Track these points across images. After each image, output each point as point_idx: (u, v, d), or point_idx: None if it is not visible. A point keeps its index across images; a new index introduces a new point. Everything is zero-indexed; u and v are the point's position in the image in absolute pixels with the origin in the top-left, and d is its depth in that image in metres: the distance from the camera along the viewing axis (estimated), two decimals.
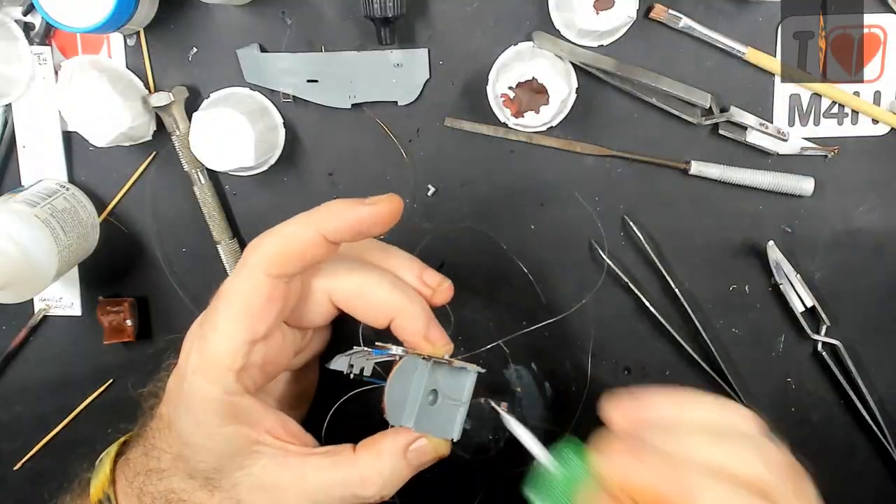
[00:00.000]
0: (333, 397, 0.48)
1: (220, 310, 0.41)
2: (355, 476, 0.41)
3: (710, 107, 0.53)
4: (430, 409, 0.43)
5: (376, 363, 0.45)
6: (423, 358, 0.43)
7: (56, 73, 0.54)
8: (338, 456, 0.42)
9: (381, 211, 0.41)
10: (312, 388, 0.52)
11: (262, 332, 0.41)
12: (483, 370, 0.44)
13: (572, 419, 0.59)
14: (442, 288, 0.46)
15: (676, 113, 0.54)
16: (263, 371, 0.43)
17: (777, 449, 0.39)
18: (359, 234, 0.41)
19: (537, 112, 0.51)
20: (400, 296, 0.44)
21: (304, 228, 0.41)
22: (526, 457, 0.41)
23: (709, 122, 0.54)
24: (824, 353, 0.57)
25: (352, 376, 0.46)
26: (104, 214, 0.57)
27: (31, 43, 0.54)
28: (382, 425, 0.43)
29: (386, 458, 0.42)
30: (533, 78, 0.50)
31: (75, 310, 0.58)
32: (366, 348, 0.44)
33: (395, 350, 0.43)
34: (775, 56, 0.54)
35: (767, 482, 0.36)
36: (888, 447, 0.58)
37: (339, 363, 0.45)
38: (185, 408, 0.41)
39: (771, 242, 0.55)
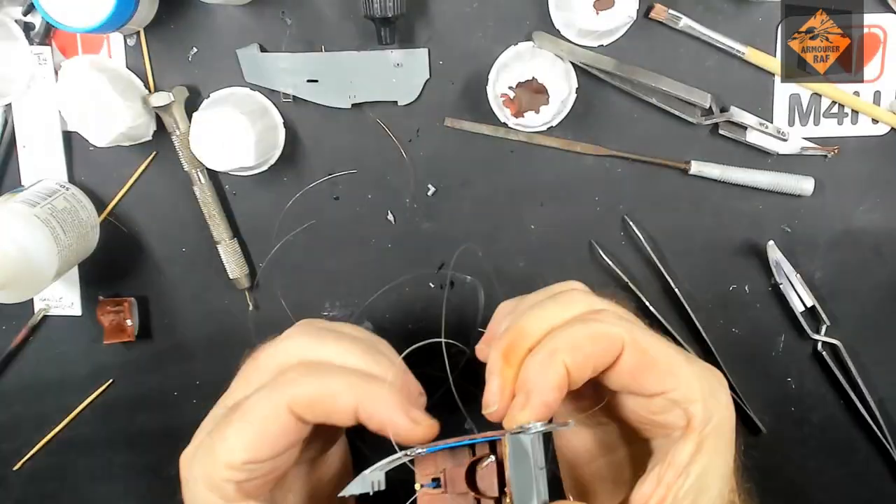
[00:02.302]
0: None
1: (234, 425, 0.39)
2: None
3: (710, 107, 0.53)
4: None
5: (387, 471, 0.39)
6: (519, 432, 0.36)
7: (56, 73, 0.54)
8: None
9: (408, 432, 0.38)
10: (339, 467, 0.47)
11: (267, 458, 0.39)
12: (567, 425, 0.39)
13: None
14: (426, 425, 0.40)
15: (676, 113, 0.54)
16: (266, 479, 0.40)
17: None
18: (383, 431, 0.39)
19: (537, 112, 0.51)
20: (367, 397, 0.39)
21: (347, 396, 0.38)
22: None
23: (709, 122, 0.54)
24: (824, 353, 0.57)
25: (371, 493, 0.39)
26: (104, 214, 0.57)
27: (31, 43, 0.54)
28: None
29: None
30: (533, 78, 0.50)
31: (75, 310, 0.58)
32: (413, 450, 0.38)
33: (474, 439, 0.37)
34: (775, 56, 0.54)
35: (594, 305, 0.40)
36: (888, 447, 0.58)
37: (357, 486, 0.38)
38: None
39: (771, 242, 0.55)
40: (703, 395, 0.38)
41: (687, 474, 0.37)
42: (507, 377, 0.37)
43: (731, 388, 0.57)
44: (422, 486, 0.38)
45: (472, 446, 0.39)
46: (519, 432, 0.36)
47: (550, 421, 0.37)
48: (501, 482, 0.37)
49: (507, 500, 0.36)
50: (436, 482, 0.38)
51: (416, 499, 0.39)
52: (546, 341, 0.37)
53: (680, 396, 0.38)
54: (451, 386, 0.45)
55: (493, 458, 0.37)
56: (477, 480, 0.38)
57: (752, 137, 0.54)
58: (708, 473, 0.38)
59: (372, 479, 0.38)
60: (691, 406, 0.38)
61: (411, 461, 0.38)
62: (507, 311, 0.44)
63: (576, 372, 0.36)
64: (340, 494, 0.39)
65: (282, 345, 0.41)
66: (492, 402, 0.38)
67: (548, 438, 0.40)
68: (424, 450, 0.38)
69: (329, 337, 0.41)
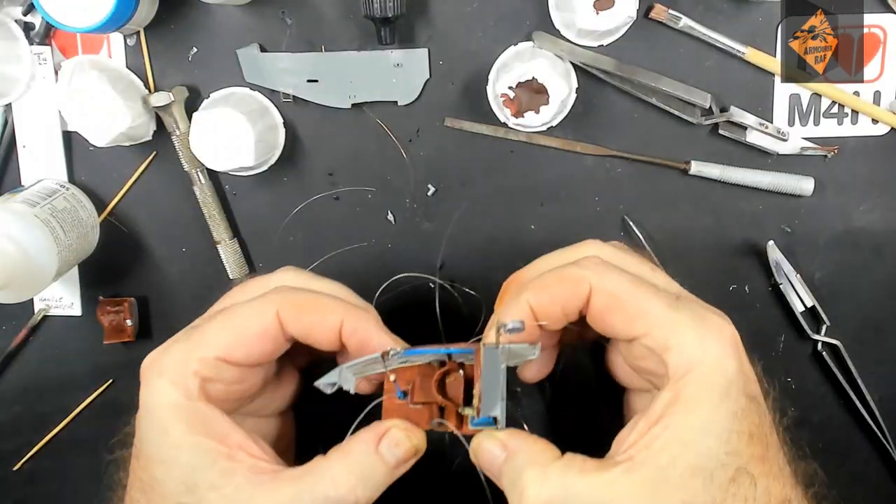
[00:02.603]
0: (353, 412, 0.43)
1: (217, 320, 0.40)
2: (326, 479, 0.38)
3: (710, 107, 0.53)
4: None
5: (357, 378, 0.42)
6: (494, 347, 0.39)
7: (56, 73, 0.54)
8: (310, 464, 0.39)
9: (386, 343, 0.41)
10: (288, 400, 0.48)
11: (241, 360, 0.40)
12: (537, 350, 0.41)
13: (572, 419, 0.59)
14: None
15: (676, 113, 0.54)
16: (229, 389, 0.41)
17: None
18: (364, 347, 0.41)
19: (537, 112, 0.51)
20: (347, 314, 0.41)
21: (335, 311, 0.41)
22: None
23: (709, 122, 0.54)
24: (824, 353, 0.57)
25: (329, 392, 0.42)
26: (104, 214, 0.57)
27: (31, 43, 0.54)
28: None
29: (356, 456, 0.39)
30: (533, 78, 0.50)
31: (75, 310, 0.58)
32: (394, 350, 0.41)
33: (453, 347, 0.41)
34: (775, 56, 0.54)
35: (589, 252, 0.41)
36: (888, 447, 0.58)
37: (332, 376, 0.42)
38: (149, 417, 0.39)
39: (771, 242, 0.55)
40: (686, 343, 0.37)
41: (665, 426, 0.35)
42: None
43: None
44: (392, 386, 0.40)
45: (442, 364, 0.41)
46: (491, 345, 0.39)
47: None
48: (468, 396, 0.40)
49: (475, 402, 0.38)
50: (403, 394, 0.41)
51: (381, 403, 0.41)
52: (522, 285, 0.40)
53: (653, 343, 0.37)
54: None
55: (461, 371, 0.41)
56: (446, 390, 0.40)
57: (752, 137, 0.54)
58: (690, 427, 0.35)
59: (346, 375, 0.41)
60: (666, 354, 0.37)
61: (386, 366, 0.41)
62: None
63: (540, 309, 0.39)
64: (315, 384, 0.42)
65: (273, 276, 0.44)
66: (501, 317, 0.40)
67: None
68: (402, 350, 0.40)
69: (317, 277, 0.44)
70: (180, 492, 0.38)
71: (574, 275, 0.39)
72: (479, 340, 0.40)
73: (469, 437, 0.40)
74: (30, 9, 0.53)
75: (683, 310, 0.38)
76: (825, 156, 0.55)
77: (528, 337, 0.39)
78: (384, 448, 0.39)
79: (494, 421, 0.38)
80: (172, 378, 0.39)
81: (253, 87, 0.54)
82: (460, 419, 0.41)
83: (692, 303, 0.39)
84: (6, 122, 0.55)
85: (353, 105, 0.54)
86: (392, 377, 0.41)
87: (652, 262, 0.43)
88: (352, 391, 0.42)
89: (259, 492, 0.38)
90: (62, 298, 0.58)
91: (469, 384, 0.41)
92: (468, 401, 0.40)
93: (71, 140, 0.56)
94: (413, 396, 0.41)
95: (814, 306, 0.56)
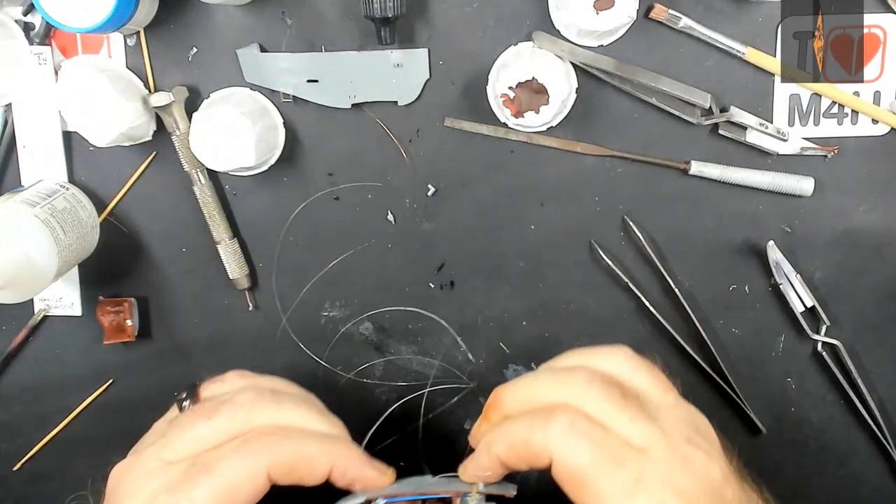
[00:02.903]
0: None
1: (205, 484, 0.39)
2: None
3: (710, 107, 0.53)
4: None
5: None
6: (469, 496, 0.43)
7: (56, 73, 0.54)
8: None
9: (382, 481, 0.43)
10: None
11: None
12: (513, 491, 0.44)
13: None
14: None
15: (676, 113, 0.54)
16: None
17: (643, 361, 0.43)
18: (353, 485, 0.42)
19: (537, 112, 0.51)
20: (339, 457, 0.42)
21: (324, 458, 0.41)
22: None
23: (709, 122, 0.54)
24: (824, 353, 0.57)
25: None
26: (104, 214, 0.57)
27: (31, 43, 0.54)
28: None
29: None
30: (533, 78, 0.50)
31: (75, 310, 0.58)
32: (380, 497, 0.43)
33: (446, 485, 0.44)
34: (775, 56, 0.54)
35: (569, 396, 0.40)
36: (888, 447, 0.58)
37: None
38: None
39: (771, 242, 0.55)
40: None
41: None
42: (477, 434, 0.43)
43: (732, 388, 0.57)
44: None
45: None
46: (467, 493, 0.43)
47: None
48: None
49: None
50: None
51: None
52: (492, 433, 0.41)
53: None
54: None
55: None
56: None
57: (752, 137, 0.54)
58: None
59: None
60: None
61: None
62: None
63: (508, 462, 0.40)
64: None
65: (242, 408, 0.42)
66: (473, 431, 0.43)
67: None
68: (385, 499, 0.43)
69: (286, 401, 0.43)
70: None
71: (538, 442, 0.38)
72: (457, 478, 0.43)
73: None
74: (30, 9, 0.53)
75: (640, 497, 0.37)
76: (825, 156, 0.55)
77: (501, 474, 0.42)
78: None
79: None
80: None
81: (253, 87, 0.54)
82: None
83: (657, 476, 0.38)
84: (6, 122, 0.55)
85: (353, 105, 0.54)
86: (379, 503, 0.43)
87: (661, 378, 0.42)
88: None
89: None
90: (62, 298, 0.58)
91: None
92: None
93: (71, 140, 0.56)
94: None
95: (814, 306, 0.56)
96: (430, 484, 0.44)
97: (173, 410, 0.45)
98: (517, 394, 0.42)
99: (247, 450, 0.40)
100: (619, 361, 0.42)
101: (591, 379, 0.40)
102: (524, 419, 0.40)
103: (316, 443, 0.42)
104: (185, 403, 0.44)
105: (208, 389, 0.45)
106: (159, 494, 0.39)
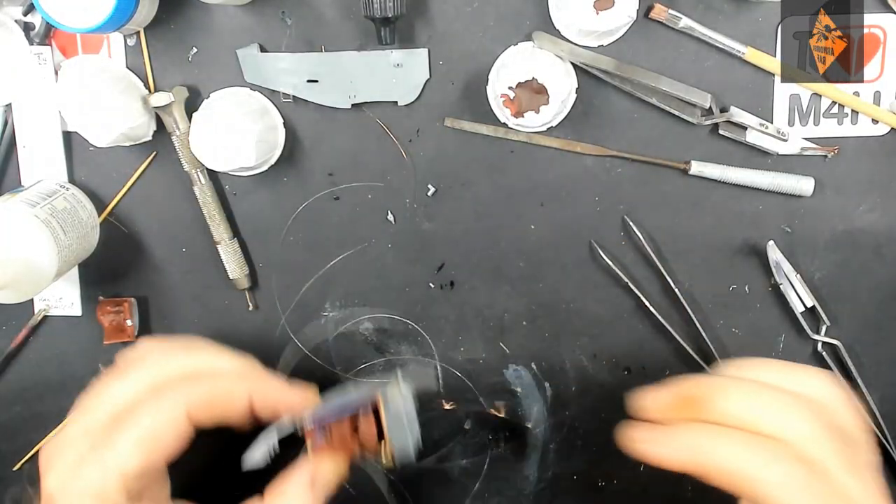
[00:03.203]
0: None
1: (127, 433, 0.39)
2: None
3: (710, 107, 0.53)
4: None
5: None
6: (397, 389, 0.43)
7: (56, 73, 0.54)
8: None
9: (304, 403, 0.43)
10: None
11: (160, 464, 0.40)
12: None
13: (572, 419, 0.59)
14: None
15: (676, 113, 0.54)
16: (148, 482, 0.41)
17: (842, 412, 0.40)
18: (277, 413, 0.43)
19: (537, 112, 0.51)
20: (256, 386, 0.42)
21: (241, 389, 0.41)
22: None
23: (709, 122, 0.54)
24: (824, 353, 0.57)
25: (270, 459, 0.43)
26: (104, 214, 0.57)
27: (31, 43, 0.54)
28: None
29: (294, 499, 0.42)
30: (533, 78, 0.50)
31: (75, 310, 0.58)
32: (307, 418, 0.43)
33: (353, 395, 0.43)
34: (775, 56, 0.54)
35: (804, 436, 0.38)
36: (888, 447, 0.58)
37: (257, 456, 0.42)
38: None
39: (771, 242, 0.55)
40: None
41: None
42: (668, 410, 0.41)
43: None
44: (313, 430, 0.43)
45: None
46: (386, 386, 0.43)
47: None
48: (380, 433, 0.43)
49: (387, 448, 0.43)
50: (322, 435, 0.43)
51: (307, 447, 0.43)
52: (695, 436, 0.38)
53: None
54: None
55: (371, 413, 0.43)
56: (359, 432, 0.43)
57: (752, 137, 0.54)
58: None
59: (270, 446, 0.42)
60: None
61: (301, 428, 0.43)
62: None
63: (683, 469, 0.38)
64: (245, 468, 0.42)
65: (153, 361, 0.42)
66: (650, 402, 0.41)
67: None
68: (312, 418, 0.43)
69: (195, 349, 0.44)
70: None
71: (751, 477, 0.37)
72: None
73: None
74: (30, 9, 0.53)
75: None
76: (825, 156, 0.55)
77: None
78: (318, 487, 0.42)
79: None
80: (96, 497, 0.39)
81: (253, 87, 0.54)
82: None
83: None
84: (6, 122, 0.55)
85: (353, 105, 0.54)
86: (310, 427, 0.43)
87: (861, 421, 0.41)
88: (277, 451, 0.43)
89: None
90: (62, 298, 0.58)
91: (379, 422, 0.43)
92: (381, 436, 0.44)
93: (71, 140, 0.56)
94: (332, 443, 0.43)
95: (814, 306, 0.56)
96: (354, 395, 0.44)
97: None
98: (733, 401, 0.39)
99: (163, 396, 0.40)
100: (832, 394, 0.40)
101: (817, 419, 0.38)
102: (739, 444, 0.37)
103: (230, 377, 0.42)
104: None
105: (122, 358, 0.45)
106: (85, 455, 0.39)
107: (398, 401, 0.43)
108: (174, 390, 0.41)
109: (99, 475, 0.39)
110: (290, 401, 0.43)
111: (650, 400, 0.42)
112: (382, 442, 0.43)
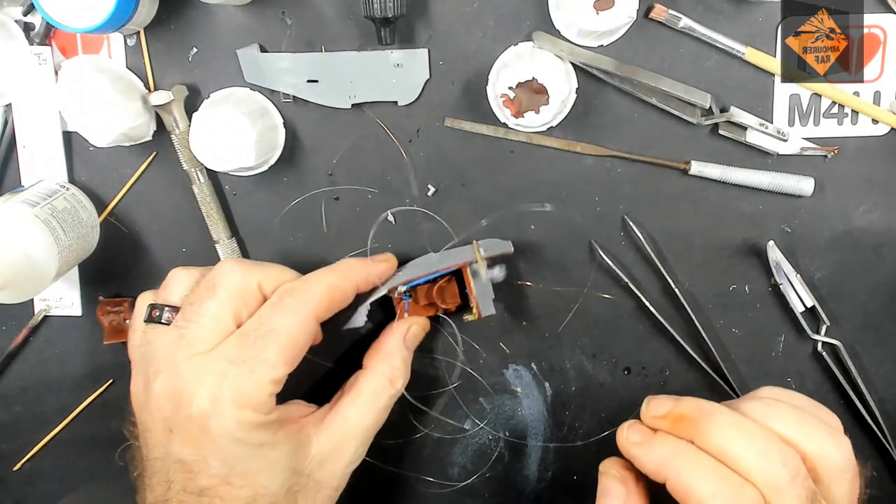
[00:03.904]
0: None
1: (271, 345, 0.44)
2: (384, 381, 0.50)
3: (710, 107, 0.53)
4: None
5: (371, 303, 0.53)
6: (475, 263, 0.53)
7: (56, 73, 0.54)
8: (357, 382, 0.50)
9: (389, 268, 0.52)
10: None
11: (296, 364, 0.46)
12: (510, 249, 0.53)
13: (572, 419, 0.59)
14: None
15: (676, 113, 0.54)
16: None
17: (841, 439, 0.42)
18: (371, 286, 0.51)
19: (537, 112, 0.51)
20: (354, 273, 0.50)
21: (343, 280, 0.49)
22: None
23: (709, 122, 0.54)
24: (824, 353, 0.57)
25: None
26: (104, 214, 0.57)
27: (31, 43, 0.54)
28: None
29: (395, 355, 0.51)
30: (533, 78, 0.50)
31: (75, 310, 0.58)
32: (399, 288, 0.53)
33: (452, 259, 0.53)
34: (775, 56, 0.54)
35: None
36: (888, 447, 0.58)
37: (358, 321, 0.53)
38: (235, 442, 0.44)
39: (771, 242, 0.55)
40: None
41: None
42: (663, 422, 0.43)
43: (732, 388, 0.57)
44: (401, 299, 0.53)
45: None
46: (474, 261, 0.53)
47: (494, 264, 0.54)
48: (462, 297, 0.54)
49: (474, 310, 0.53)
50: (408, 295, 0.53)
51: (400, 310, 0.53)
52: (676, 456, 0.41)
53: None
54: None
55: (452, 278, 0.54)
56: (444, 296, 0.54)
57: (752, 138, 0.54)
58: None
59: (364, 311, 0.52)
60: None
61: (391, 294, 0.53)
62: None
63: (654, 478, 0.42)
64: (346, 328, 0.52)
65: (233, 275, 0.47)
66: (651, 409, 0.44)
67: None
68: (405, 287, 0.53)
69: (253, 263, 0.49)
70: (288, 477, 0.45)
71: (706, 498, 0.39)
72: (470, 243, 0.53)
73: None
74: (30, 9, 0.53)
75: None
76: (825, 156, 0.55)
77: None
78: (409, 342, 0.52)
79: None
80: (250, 405, 0.44)
81: (253, 87, 0.54)
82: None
83: None
84: (6, 122, 0.55)
85: (353, 105, 0.54)
86: (399, 290, 0.53)
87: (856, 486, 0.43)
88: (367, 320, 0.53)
89: (338, 433, 0.48)
90: (62, 298, 0.58)
91: (461, 283, 0.54)
92: (462, 299, 0.54)
93: (71, 140, 0.56)
94: (418, 301, 0.54)
95: (814, 306, 0.56)
96: (437, 261, 0.53)
97: (150, 330, 0.48)
98: (719, 432, 0.40)
99: (289, 308, 0.46)
100: (834, 457, 0.41)
101: (796, 475, 0.39)
102: (703, 472, 0.39)
103: (332, 274, 0.49)
104: (166, 314, 0.48)
105: (164, 293, 0.49)
106: (231, 371, 0.44)
107: (480, 265, 0.53)
108: (299, 299, 0.46)
109: (254, 386, 0.44)
110: (382, 271, 0.51)
111: (652, 407, 0.44)
112: (471, 299, 0.52)
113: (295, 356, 0.45)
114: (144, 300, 0.50)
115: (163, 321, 0.47)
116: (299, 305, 0.46)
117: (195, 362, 0.44)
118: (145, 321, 0.48)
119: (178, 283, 0.49)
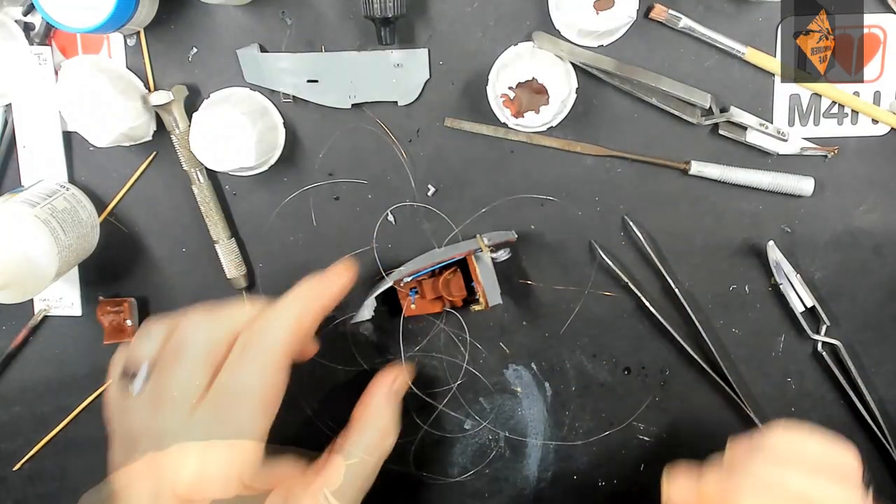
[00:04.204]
0: None
1: (243, 409, 0.44)
2: (374, 439, 0.49)
3: (710, 107, 0.53)
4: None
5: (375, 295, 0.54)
6: (480, 251, 0.53)
7: (56, 73, 0.54)
8: (346, 444, 0.49)
9: (350, 279, 0.49)
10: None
11: (278, 407, 0.45)
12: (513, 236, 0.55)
13: (572, 419, 0.59)
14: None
15: (676, 113, 0.54)
16: None
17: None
18: (336, 301, 0.48)
19: (537, 112, 0.51)
20: (315, 295, 0.48)
21: (306, 311, 0.46)
22: None
23: (709, 122, 0.54)
24: (824, 353, 0.57)
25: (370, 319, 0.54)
26: (104, 214, 0.57)
27: (31, 43, 0.54)
28: None
29: (384, 410, 0.51)
30: (533, 78, 0.50)
31: (75, 310, 0.58)
32: (404, 279, 0.53)
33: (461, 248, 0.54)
34: (775, 56, 0.54)
35: None
36: (888, 447, 0.58)
37: (364, 313, 0.54)
38: None
39: (771, 242, 0.55)
40: None
41: None
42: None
43: (732, 388, 0.57)
44: (408, 294, 0.54)
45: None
46: (478, 249, 0.53)
47: (497, 250, 0.54)
48: (468, 289, 0.54)
49: (481, 299, 0.52)
50: (414, 291, 0.54)
51: (406, 305, 0.54)
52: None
53: None
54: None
55: (458, 270, 0.54)
56: (449, 288, 0.54)
57: (752, 137, 0.54)
58: None
59: (371, 303, 0.53)
60: None
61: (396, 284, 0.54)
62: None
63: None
64: (354, 321, 0.54)
65: (198, 334, 0.46)
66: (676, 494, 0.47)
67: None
68: (409, 277, 0.53)
69: (217, 307, 0.48)
70: None
71: None
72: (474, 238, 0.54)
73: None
74: (30, 9, 0.53)
75: None
76: (825, 156, 0.55)
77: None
78: (395, 393, 0.52)
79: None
80: (238, 476, 0.43)
81: (253, 87, 0.54)
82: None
83: None
84: (6, 122, 0.55)
85: (353, 105, 0.54)
86: (405, 281, 0.53)
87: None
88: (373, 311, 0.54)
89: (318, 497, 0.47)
90: (62, 298, 0.58)
91: (465, 277, 0.54)
92: (467, 291, 0.55)
93: (71, 140, 0.56)
94: (424, 295, 0.54)
95: (814, 306, 0.56)
96: (441, 252, 0.54)
97: (124, 399, 0.47)
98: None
99: (256, 358, 0.44)
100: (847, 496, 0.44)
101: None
102: None
103: (293, 306, 0.46)
104: (139, 384, 0.46)
105: (137, 351, 0.47)
106: (208, 447, 0.43)
107: (485, 256, 0.53)
108: (263, 347, 0.45)
109: (238, 459, 0.43)
110: (342, 286, 0.49)
111: (674, 491, 0.47)
112: (477, 289, 0.53)
113: (271, 407, 0.44)
114: (117, 361, 0.49)
115: (136, 390, 0.46)
116: (264, 355, 0.44)
117: (175, 434, 0.43)
118: (118, 389, 0.47)
119: (149, 339, 0.48)
